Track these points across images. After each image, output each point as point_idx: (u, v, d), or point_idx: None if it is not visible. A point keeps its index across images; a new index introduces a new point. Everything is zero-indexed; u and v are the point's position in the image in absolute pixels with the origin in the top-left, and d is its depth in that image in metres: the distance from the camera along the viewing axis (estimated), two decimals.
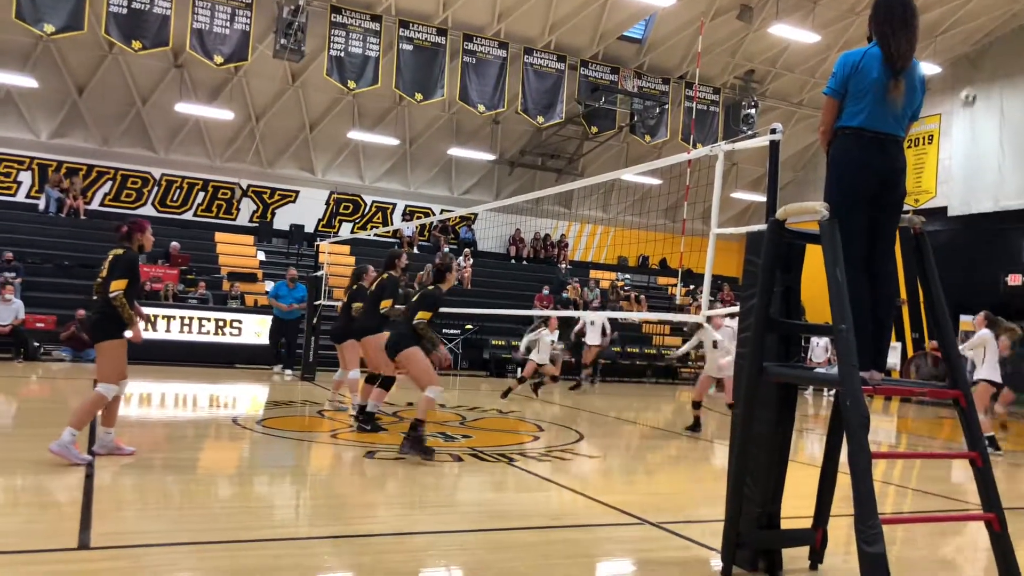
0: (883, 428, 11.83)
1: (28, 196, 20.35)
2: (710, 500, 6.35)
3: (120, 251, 6.50)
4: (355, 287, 9.89)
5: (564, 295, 21.83)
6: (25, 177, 20.44)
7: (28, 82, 18.82)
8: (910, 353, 21.51)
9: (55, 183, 20.18)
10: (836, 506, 4.55)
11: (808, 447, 10.21)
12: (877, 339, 4.08)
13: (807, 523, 4.51)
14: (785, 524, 4.55)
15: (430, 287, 7.70)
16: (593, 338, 16.62)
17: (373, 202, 24.26)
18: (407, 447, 7.09)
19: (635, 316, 21.83)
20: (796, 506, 4.80)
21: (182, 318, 16.26)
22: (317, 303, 14.87)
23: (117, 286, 6.24)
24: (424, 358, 7.39)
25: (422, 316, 7.34)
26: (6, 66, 18.49)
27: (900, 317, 21.21)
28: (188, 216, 22.13)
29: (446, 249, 23.26)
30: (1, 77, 18.59)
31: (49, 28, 16.79)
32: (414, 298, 7.68)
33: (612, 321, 21.31)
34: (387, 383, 8.74)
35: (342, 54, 19.17)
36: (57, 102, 20.09)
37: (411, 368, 7.35)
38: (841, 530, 4.96)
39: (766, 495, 4.42)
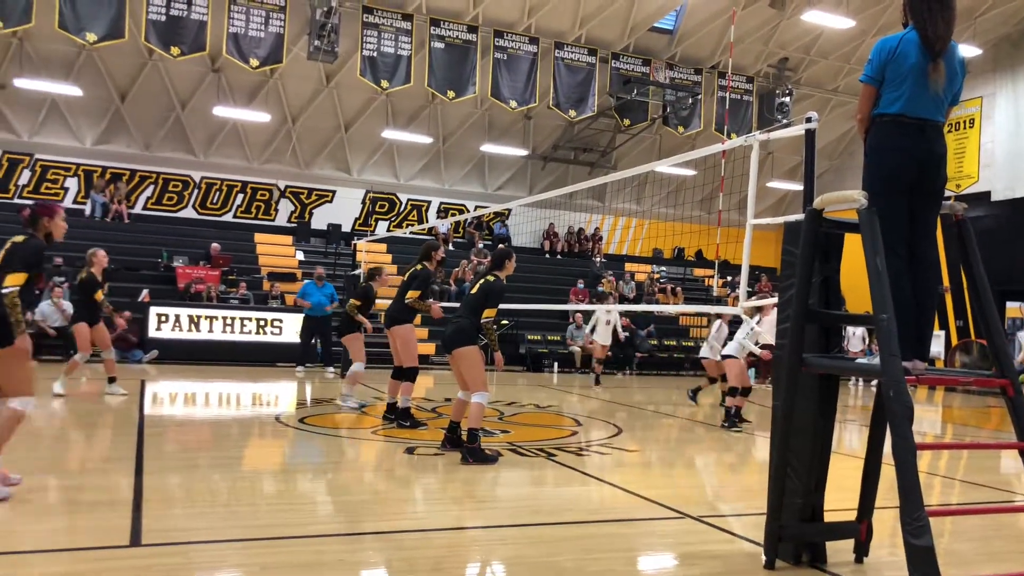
0: (927, 418, 11.63)
1: (75, 202, 20.83)
2: (751, 493, 6.31)
3: (21, 238, 5.45)
4: (364, 285, 10.38)
5: (599, 288, 21.78)
6: (72, 183, 20.93)
7: (73, 91, 19.27)
8: (954, 342, 21.10)
9: (100, 189, 20.64)
10: (881, 498, 4.49)
11: (849, 438, 10.09)
12: (920, 328, 4.02)
13: (851, 515, 4.46)
14: (828, 517, 4.51)
15: (490, 277, 7.09)
16: (604, 337, 16.29)
17: (408, 200, 24.42)
18: (468, 457, 6.73)
19: (671, 308, 21.71)
20: (839, 498, 4.76)
21: (224, 318, 16.53)
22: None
23: (12, 281, 5.12)
24: (480, 360, 6.98)
25: (489, 314, 6.92)
26: (52, 76, 18.95)
27: (943, 305, 20.82)
28: (228, 218, 22.48)
29: (480, 245, 23.34)
30: (47, 87, 19.06)
31: (91, 37, 17.16)
32: (473, 290, 7.14)
33: (647, 315, 21.26)
34: (411, 375, 8.61)
35: (375, 54, 19.31)
36: (101, 109, 20.54)
37: (465, 368, 6.91)
38: (886, 523, 4.90)
39: (809, 487, 4.39)
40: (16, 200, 20.20)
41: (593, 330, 16.08)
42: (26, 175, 20.49)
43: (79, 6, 16.97)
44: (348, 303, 10.35)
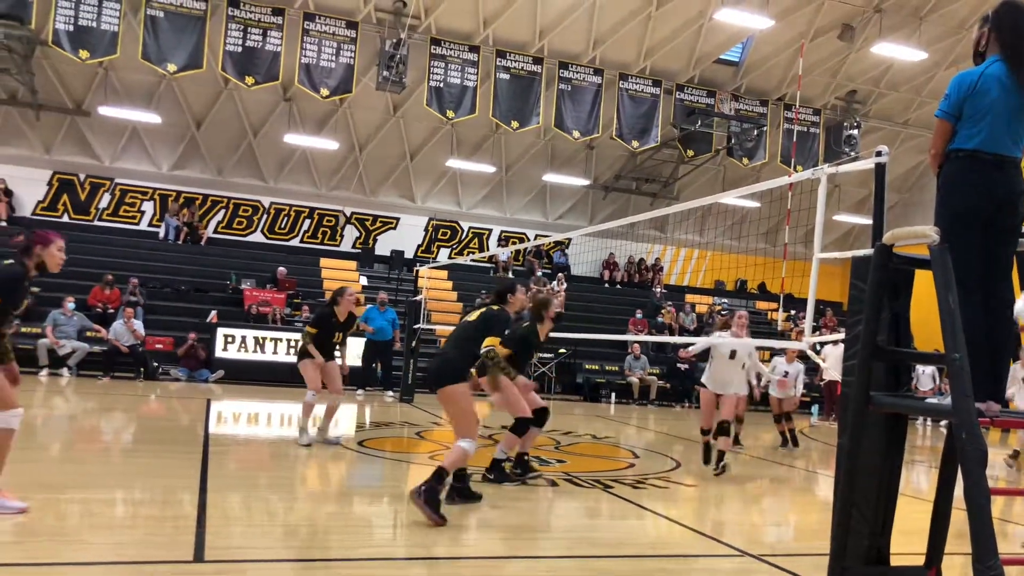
0: (1000, 462, 11.18)
1: (150, 225, 21.62)
2: (813, 532, 6.14)
3: (7, 263, 5.17)
4: (323, 310, 9.11)
5: (659, 319, 21.58)
6: (148, 207, 21.74)
7: (152, 118, 20.10)
8: None
9: (174, 212, 21.39)
10: (950, 543, 4.33)
11: (917, 479, 9.74)
12: (994, 368, 3.89)
13: (919, 560, 4.31)
14: (895, 561, 4.36)
15: (494, 307, 6.38)
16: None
17: (470, 228, 24.65)
18: (452, 497, 5.96)
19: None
20: (907, 542, 4.60)
21: (288, 340, 16.85)
22: (416, 326, 15.18)
23: None
24: (471, 400, 6.06)
25: (492, 342, 6.11)
26: (133, 104, 19.80)
27: (1020, 345, 19.99)
28: (295, 242, 23.02)
29: (539, 273, 23.38)
30: (129, 114, 19.92)
31: (172, 67, 17.93)
32: (471, 317, 6.37)
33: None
34: (521, 427, 7.16)
35: (441, 85, 19.67)
36: (177, 136, 21.34)
37: (453, 412, 5.97)
38: (956, 569, 4.72)
39: (875, 527, 4.25)
40: (96, 222, 21.08)
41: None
42: (106, 199, 21.36)
43: (161, 38, 17.77)
44: (304, 333, 8.97)
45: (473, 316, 6.30)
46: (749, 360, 8.95)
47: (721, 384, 8.78)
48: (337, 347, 9.10)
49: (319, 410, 8.98)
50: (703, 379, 9.03)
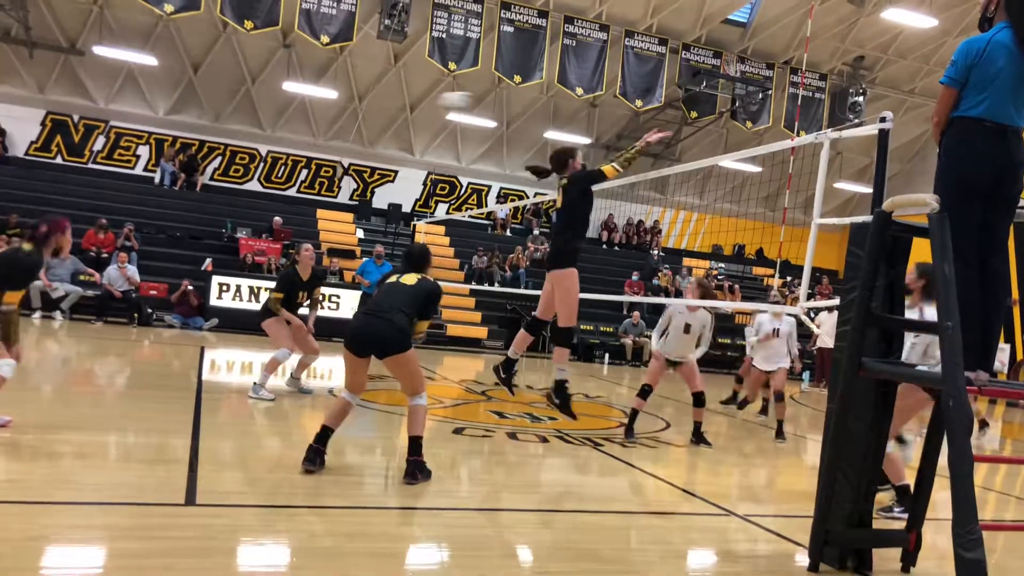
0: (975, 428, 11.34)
1: (145, 169, 21.45)
2: (800, 495, 6.22)
3: (27, 247, 5.50)
4: (285, 271, 8.87)
5: (655, 282, 21.60)
6: (143, 151, 21.55)
7: (148, 60, 19.81)
8: (1020, 356, 20.39)
9: (170, 158, 21.20)
10: (932, 509, 4.40)
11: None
12: (985, 339, 3.91)
13: (900, 524, 4.38)
14: (877, 525, 4.43)
15: (429, 278, 5.77)
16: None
17: (469, 183, 24.52)
18: (416, 473, 5.33)
19: (728, 306, 21.38)
20: None
21: None
22: None
23: (11, 299, 5.43)
24: (417, 358, 5.70)
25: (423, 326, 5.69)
26: (129, 44, 19.50)
27: (1011, 318, 20.10)
28: (292, 192, 22.90)
29: (536, 232, 23.33)
30: (124, 55, 19.62)
31: (169, 8, 17.61)
32: (410, 282, 5.65)
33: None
34: (567, 337, 7.04)
35: (444, 35, 19.39)
36: (174, 79, 21.07)
37: (403, 370, 5.65)
38: (936, 535, 4.79)
39: (858, 493, 4.31)
40: (91, 165, 20.90)
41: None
42: (100, 141, 21.15)
43: None
44: (269, 297, 8.59)
45: (410, 281, 5.65)
46: (706, 333, 8.18)
47: (679, 354, 8.19)
48: (304, 307, 8.82)
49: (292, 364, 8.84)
50: (657, 345, 8.33)
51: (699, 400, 8.24)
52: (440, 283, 6.04)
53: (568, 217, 6.68)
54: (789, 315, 9.42)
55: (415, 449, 5.37)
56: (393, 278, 5.80)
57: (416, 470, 5.31)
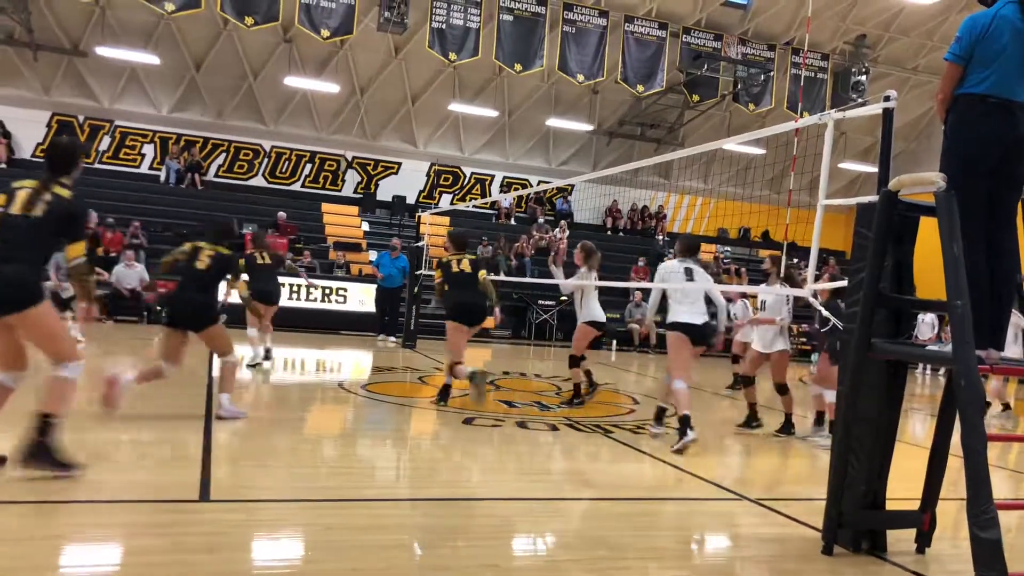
0: (998, 410, 11.26)
1: (151, 168, 21.49)
2: (812, 479, 6.22)
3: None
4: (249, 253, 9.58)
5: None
6: (148, 150, 21.58)
7: (151, 59, 19.81)
8: None
9: (175, 156, 21.23)
10: (946, 490, 4.39)
11: (914, 427, 9.84)
12: (995, 317, 3.90)
13: (914, 505, 4.38)
14: (891, 505, 4.43)
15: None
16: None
17: (472, 173, 24.49)
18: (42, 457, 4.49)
19: (735, 289, 21.34)
20: (903, 488, 4.66)
21: (291, 286, 16.86)
22: (418, 273, 15.18)
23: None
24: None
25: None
26: (131, 44, 19.49)
27: (1022, 295, 20.00)
28: (296, 187, 22.91)
29: (541, 220, 23.29)
30: (127, 55, 19.62)
31: (169, 7, 17.57)
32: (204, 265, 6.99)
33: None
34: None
35: (443, 26, 19.31)
36: (176, 78, 21.08)
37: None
38: (951, 515, 4.79)
39: (871, 473, 4.31)
40: (97, 165, 20.93)
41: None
42: (106, 141, 21.19)
43: None
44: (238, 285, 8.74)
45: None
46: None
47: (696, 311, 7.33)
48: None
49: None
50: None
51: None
52: None
53: None
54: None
55: (44, 429, 4.52)
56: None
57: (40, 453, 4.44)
